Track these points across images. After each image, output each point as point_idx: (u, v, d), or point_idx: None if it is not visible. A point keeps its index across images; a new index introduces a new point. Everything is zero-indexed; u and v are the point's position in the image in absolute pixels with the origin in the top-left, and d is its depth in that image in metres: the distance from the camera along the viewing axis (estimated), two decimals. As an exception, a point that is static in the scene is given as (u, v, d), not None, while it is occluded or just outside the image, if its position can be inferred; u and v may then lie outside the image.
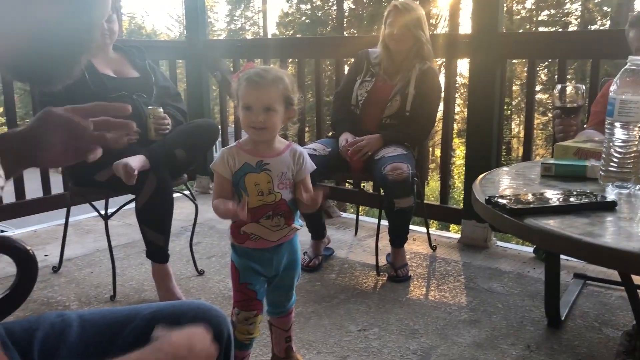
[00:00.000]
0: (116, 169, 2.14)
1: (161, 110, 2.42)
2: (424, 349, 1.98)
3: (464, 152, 3.06)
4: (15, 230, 3.67)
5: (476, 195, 1.03)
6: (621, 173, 1.05)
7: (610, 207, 0.97)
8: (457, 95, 12.46)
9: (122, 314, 0.91)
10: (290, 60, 4.22)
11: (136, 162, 2.15)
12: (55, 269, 2.63)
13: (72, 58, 0.67)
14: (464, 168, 3.13)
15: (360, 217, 3.40)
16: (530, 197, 0.99)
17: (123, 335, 0.87)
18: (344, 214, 3.67)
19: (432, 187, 15.63)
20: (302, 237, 1.78)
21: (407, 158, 2.48)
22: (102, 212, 2.38)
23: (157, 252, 2.30)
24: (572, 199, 0.97)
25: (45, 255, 2.84)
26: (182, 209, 3.08)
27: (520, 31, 17.20)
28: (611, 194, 1.08)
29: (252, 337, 1.63)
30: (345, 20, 25.49)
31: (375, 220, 3.42)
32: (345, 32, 24.39)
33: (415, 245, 3.01)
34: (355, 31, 24.89)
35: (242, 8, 33.63)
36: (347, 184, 3.39)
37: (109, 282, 2.43)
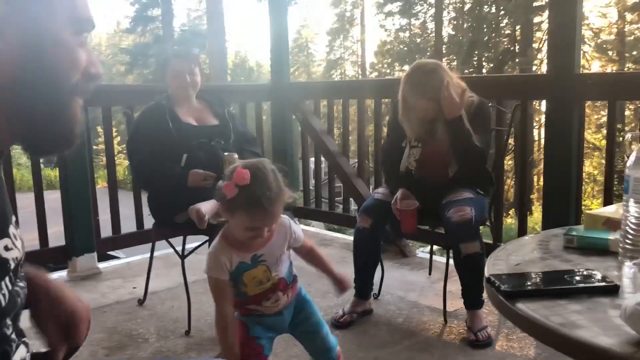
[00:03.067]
0: (190, 213, 2.32)
1: (236, 156, 2.57)
2: (482, 405, 1.94)
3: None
4: (126, 257, 3.97)
5: (485, 271, 1.03)
6: (636, 250, 1.02)
7: (611, 291, 0.94)
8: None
9: None
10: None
11: (208, 207, 2.31)
12: (141, 302, 2.84)
13: (57, 121, 0.76)
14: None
15: (437, 258, 3.37)
16: (532, 276, 0.98)
17: None
18: (420, 253, 3.64)
19: (535, 219, 14.94)
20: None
21: (474, 202, 2.43)
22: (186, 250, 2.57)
23: (228, 291, 2.43)
24: (575, 280, 0.95)
25: (134, 288, 3.08)
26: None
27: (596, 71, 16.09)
28: (627, 272, 1.05)
29: None
30: (444, 47, 25.30)
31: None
32: (444, 59, 24.17)
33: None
34: (454, 57, 24.61)
35: (341, 38, 34.39)
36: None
37: (186, 316, 2.58)
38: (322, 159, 4.07)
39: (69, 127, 0.78)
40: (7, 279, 0.75)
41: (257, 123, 4.14)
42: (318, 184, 4.25)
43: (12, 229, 0.79)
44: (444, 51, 24.81)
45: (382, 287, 2.89)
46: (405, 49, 27.33)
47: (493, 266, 1.06)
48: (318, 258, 1.65)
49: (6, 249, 0.75)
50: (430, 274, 3.20)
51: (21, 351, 0.82)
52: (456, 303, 2.79)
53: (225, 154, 2.57)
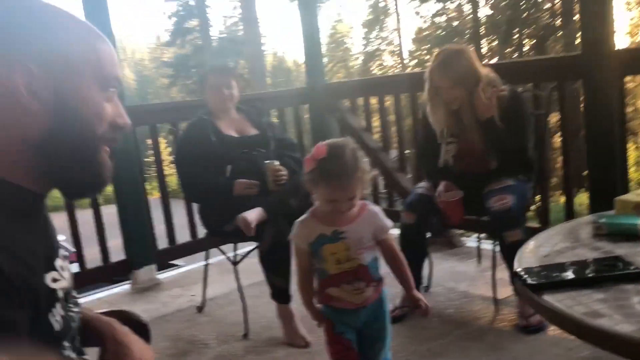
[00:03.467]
0: (238, 222, 2.42)
1: (277, 163, 2.67)
2: (537, 390, 1.96)
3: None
4: (184, 265, 4.14)
5: (514, 266, 1.07)
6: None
7: (637, 278, 0.95)
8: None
9: None
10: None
11: (254, 215, 2.41)
12: (199, 309, 2.98)
13: (88, 166, 0.87)
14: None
15: (486, 246, 3.37)
16: (559, 268, 1.00)
17: None
18: (468, 243, 3.65)
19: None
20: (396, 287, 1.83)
21: (514, 189, 2.42)
22: (235, 257, 2.69)
23: (280, 294, 2.53)
24: (600, 268, 0.97)
25: (192, 295, 3.22)
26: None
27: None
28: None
29: None
30: (482, 28, 24.77)
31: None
32: (483, 40, 23.68)
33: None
34: (493, 38, 24.06)
35: (377, 29, 34.16)
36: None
37: (243, 320, 2.69)
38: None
39: (98, 172, 0.89)
40: (58, 306, 0.85)
41: (297, 126, 4.23)
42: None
43: (59, 262, 0.88)
44: (482, 32, 24.29)
45: (432, 279, 2.93)
46: (443, 33, 26.90)
47: (522, 259, 1.09)
48: (401, 264, 1.68)
49: (54, 280, 0.84)
50: (479, 263, 3.20)
51: None
52: (506, 290, 2.79)
53: (266, 162, 2.67)
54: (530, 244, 1.19)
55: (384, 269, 1.70)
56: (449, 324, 2.53)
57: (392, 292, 2.66)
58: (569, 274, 0.99)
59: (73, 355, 0.90)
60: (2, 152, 0.81)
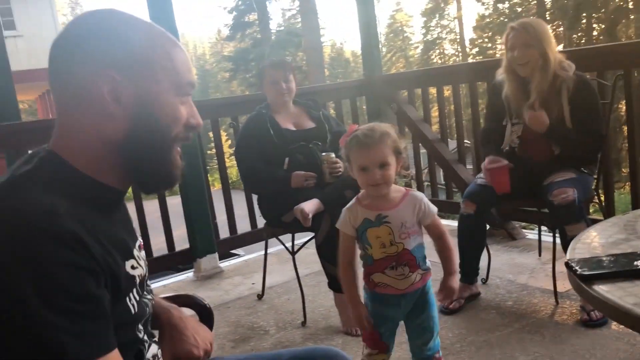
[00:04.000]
0: (295, 213, 2.48)
1: (333, 155, 2.71)
2: (597, 384, 1.92)
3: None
4: (245, 254, 4.27)
5: (567, 255, 1.06)
6: None
7: None
8: None
9: (266, 358, 1.16)
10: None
11: (310, 206, 2.47)
12: (260, 297, 3.07)
13: (163, 164, 0.94)
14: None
15: (546, 238, 3.31)
16: (610, 259, 0.99)
17: None
18: (529, 235, 3.58)
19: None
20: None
21: (576, 182, 2.38)
22: (293, 247, 2.76)
23: (337, 283, 2.57)
24: None
25: (253, 284, 3.32)
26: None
27: None
28: None
29: None
30: (547, 13, 23.90)
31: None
32: (549, 26, 22.85)
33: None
34: (560, 23, 23.18)
35: (437, 18, 33.58)
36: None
37: (301, 308, 2.76)
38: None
39: (170, 170, 0.96)
40: (134, 291, 0.92)
41: (354, 118, 4.26)
42: (418, 172, 4.28)
43: (136, 252, 0.96)
44: (547, 18, 23.43)
45: (490, 270, 2.90)
46: (506, 20, 26.12)
47: (574, 250, 1.09)
48: (446, 248, 1.68)
49: (132, 267, 0.92)
50: (539, 255, 3.14)
51: (153, 349, 1.00)
52: (568, 283, 2.73)
53: (323, 154, 2.72)
54: (585, 236, 1.18)
55: (434, 258, 1.71)
56: (507, 316, 2.50)
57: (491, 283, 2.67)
58: (621, 266, 0.98)
59: (145, 337, 0.98)
60: (88, 152, 0.89)
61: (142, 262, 0.97)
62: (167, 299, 1.22)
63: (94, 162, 0.90)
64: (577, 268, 0.97)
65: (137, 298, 0.93)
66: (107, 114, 0.87)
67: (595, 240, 1.14)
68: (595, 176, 2.60)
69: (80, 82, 0.87)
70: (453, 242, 1.73)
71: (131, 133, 0.89)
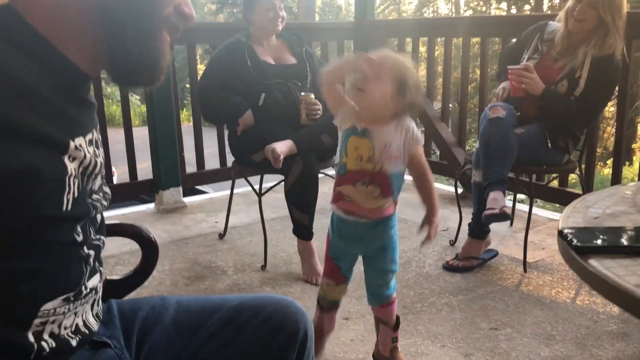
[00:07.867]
0: (266, 152, 2.33)
1: (313, 96, 2.55)
2: (555, 357, 1.87)
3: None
4: (213, 192, 4.12)
5: (559, 223, 0.95)
6: None
7: None
8: None
9: (213, 303, 1.03)
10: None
11: (283, 147, 2.32)
12: (221, 236, 2.95)
13: (147, 50, 0.78)
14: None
15: (521, 207, 3.27)
16: (610, 231, 0.88)
17: (208, 323, 0.99)
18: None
19: (636, 170, 13.97)
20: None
21: (524, 137, 2.44)
22: (261, 188, 2.62)
23: (302, 230, 2.47)
24: None
25: (215, 222, 3.20)
26: (328, 189, 3.22)
27: None
28: None
29: (329, 299, 1.76)
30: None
31: (538, 211, 3.25)
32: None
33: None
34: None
35: (434, -26, 32.75)
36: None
37: (263, 252, 2.65)
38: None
39: (155, 58, 0.79)
40: (71, 184, 0.75)
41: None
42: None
43: (89, 137, 0.80)
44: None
45: (460, 232, 2.82)
46: (503, -16, 25.58)
47: (568, 218, 0.98)
48: (427, 186, 1.61)
49: (76, 148, 0.75)
50: (511, 224, 3.08)
51: (94, 279, 0.86)
52: (537, 254, 2.69)
53: (302, 94, 2.55)
54: (577, 204, 1.07)
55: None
56: (472, 280, 2.44)
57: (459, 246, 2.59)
58: (623, 240, 0.87)
59: (88, 243, 0.83)
60: (52, 10, 0.72)
61: (90, 156, 0.79)
62: (108, 227, 1.07)
63: (57, 25, 0.73)
64: (572, 238, 0.86)
65: (76, 194, 0.76)
66: None
67: (590, 210, 1.03)
68: (572, 150, 2.56)
69: None
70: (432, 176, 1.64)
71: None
